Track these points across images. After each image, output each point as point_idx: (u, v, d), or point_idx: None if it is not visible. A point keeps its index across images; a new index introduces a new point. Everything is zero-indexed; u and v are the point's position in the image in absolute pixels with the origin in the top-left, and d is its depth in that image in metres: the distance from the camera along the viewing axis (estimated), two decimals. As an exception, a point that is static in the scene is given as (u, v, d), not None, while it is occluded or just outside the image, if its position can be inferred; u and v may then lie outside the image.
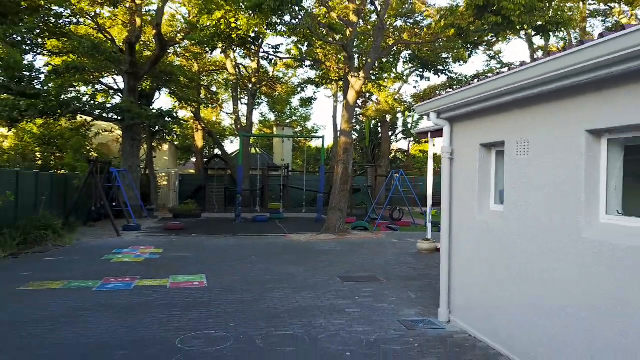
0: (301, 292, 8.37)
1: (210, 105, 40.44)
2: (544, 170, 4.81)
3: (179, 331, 6.11)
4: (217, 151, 38.52)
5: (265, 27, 14.68)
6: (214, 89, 39.34)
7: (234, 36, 15.00)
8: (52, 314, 6.81)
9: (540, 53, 28.16)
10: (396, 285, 8.99)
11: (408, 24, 21.32)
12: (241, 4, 12.41)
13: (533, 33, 16.88)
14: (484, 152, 6.04)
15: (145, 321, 6.53)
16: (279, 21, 14.55)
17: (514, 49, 48.15)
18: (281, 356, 5.31)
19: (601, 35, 3.76)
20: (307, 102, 35.67)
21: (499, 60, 30.30)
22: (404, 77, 26.05)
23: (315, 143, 51.38)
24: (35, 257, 11.91)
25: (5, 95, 19.49)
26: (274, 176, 32.74)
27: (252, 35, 16.21)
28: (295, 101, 42.63)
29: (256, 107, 41.06)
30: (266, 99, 41.59)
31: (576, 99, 4.38)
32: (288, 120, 49.26)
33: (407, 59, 21.18)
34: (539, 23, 14.41)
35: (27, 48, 20.21)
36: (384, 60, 21.86)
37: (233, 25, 14.15)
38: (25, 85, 19.10)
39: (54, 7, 18.39)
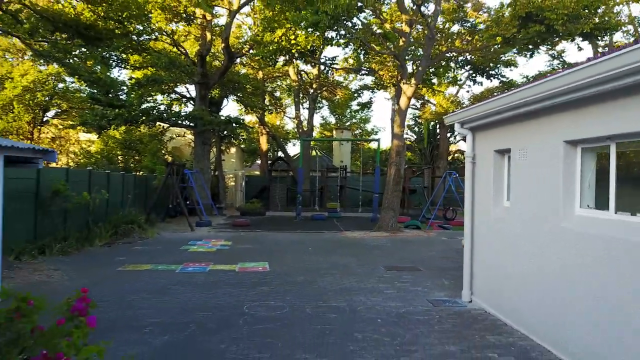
0: (348, 278, 9.71)
1: (274, 111, 42.58)
2: (536, 172, 5.91)
3: (246, 301, 7.64)
4: (280, 154, 40.44)
5: (321, 42, 16.12)
6: (277, 94, 41.37)
7: (293, 51, 16.60)
8: (146, 288, 8.55)
9: (599, 52, 27.82)
10: (433, 274, 10.14)
11: (465, 27, 21.98)
12: (300, 23, 13.92)
13: (580, 39, 17.24)
14: (497, 157, 7.14)
15: (219, 294, 8.13)
16: (334, 35, 15.95)
17: (574, 49, 46.86)
18: (325, 320, 6.70)
19: (570, 66, 4.87)
20: (364, 106, 36.94)
21: (561, 60, 30.14)
22: (459, 82, 26.71)
23: (374, 145, 52.40)
24: (125, 246, 13.96)
25: (96, 106, 22.18)
26: (333, 177, 34.17)
27: (310, 49, 17.69)
28: (355, 105, 43.96)
29: (317, 111, 42.84)
30: (327, 103, 43.22)
31: (556, 115, 5.47)
32: (348, 123, 50.59)
33: (460, 64, 21.93)
34: (585, 30, 14.84)
35: (114, 63, 22.82)
36: (443, 64, 22.73)
37: (293, 42, 15.70)
38: (113, 97, 21.66)
39: (137, 26, 20.71)
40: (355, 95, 34.47)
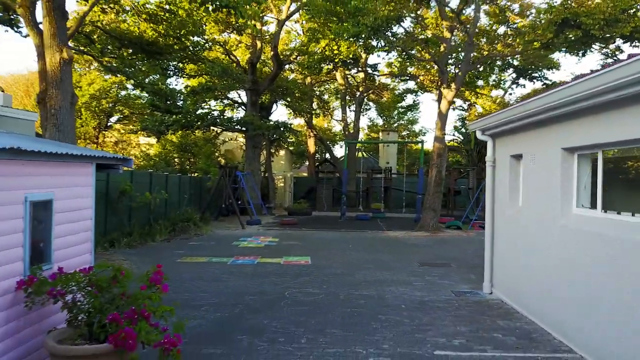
0: (382, 271, 10.59)
1: (321, 114, 43.75)
2: (541, 175, 6.63)
3: (287, 288, 8.69)
4: (327, 156, 41.51)
5: (362, 51, 17.04)
6: (325, 97, 42.47)
7: (336, 60, 17.56)
8: (202, 276, 9.75)
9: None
10: (463, 270, 10.85)
11: (511, 28, 22.21)
12: (342, 35, 14.85)
13: (622, 41, 17.28)
14: (513, 161, 7.86)
15: (265, 282, 9.22)
16: (375, 44, 16.81)
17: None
18: (355, 304, 7.64)
19: (562, 84, 5.61)
20: (408, 109, 37.53)
21: (615, 58, 29.62)
22: (503, 84, 26.91)
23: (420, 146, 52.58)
24: (183, 242, 15.36)
25: (155, 112, 23.99)
26: (378, 178, 34.89)
27: (353, 57, 18.62)
28: (402, 106, 44.42)
29: (364, 113, 43.66)
30: (374, 105, 43.95)
31: (556, 125, 6.19)
32: (395, 124, 51.05)
33: (503, 67, 22.22)
34: (625, 33, 14.94)
35: (172, 73, 24.55)
36: (481, 69, 23.12)
37: (335, 52, 16.69)
38: (171, 104, 23.36)
39: (194, 38, 22.29)
40: (399, 98, 35.06)
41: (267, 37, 27.54)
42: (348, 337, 6.05)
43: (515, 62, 21.17)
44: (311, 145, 40.80)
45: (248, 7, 10.53)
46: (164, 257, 12.12)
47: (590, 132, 5.45)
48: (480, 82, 24.92)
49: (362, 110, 38.61)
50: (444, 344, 5.81)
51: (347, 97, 36.66)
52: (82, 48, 16.30)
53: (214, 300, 7.81)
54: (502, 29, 23.17)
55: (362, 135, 54.63)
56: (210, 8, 10.79)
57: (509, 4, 19.77)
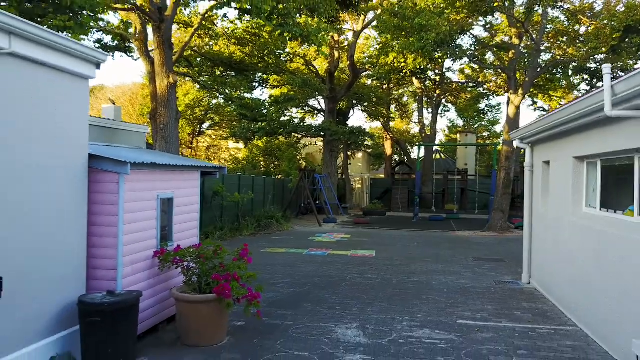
0: (437, 264, 11.91)
1: (399, 117, 44.87)
2: (560, 179, 7.76)
3: (350, 273, 10.33)
4: (404, 158, 42.51)
5: (427, 63, 18.27)
6: (405, 98, 43.46)
7: (405, 71, 18.90)
8: (280, 263, 11.63)
9: None
10: (513, 265, 11.90)
11: (577, 34, 22.26)
12: (408, 49, 16.21)
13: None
14: (545, 166, 8.96)
15: (332, 268, 10.91)
16: (440, 55, 17.98)
17: None
18: (404, 287, 9.12)
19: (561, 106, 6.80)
20: (482, 112, 37.75)
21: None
22: (577, 88, 26.67)
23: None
24: (266, 236, 17.46)
25: (243, 120, 26.56)
26: (455, 180, 35.47)
27: (420, 68, 19.87)
28: (482, 106, 44.39)
29: (442, 114, 44.19)
30: (453, 107, 44.34)
31: (569, 137, 7.33)
32: (476, 126, 50.88)
33: (575, 70, 22.30)
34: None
35: (257, 85, 27.06)
36: (554, 71, 23.35)
37: (403, 64, 18.06)
38: (256, 113, 25.82)
39: (277, 51, 24.57)
40: (473, 102, 35.47)
41: (345, 46, 29.30)
42: (391, 308, 7.58)
43: (592, 66, 21.28)
44: (388, 148, 42.05)
45: (319, 34, 12.27)
46: (250, 247, 14.13)
47: (589, 145, 6.59)
48: (554, 86, 25.05)
49: (439, 112, 39.29)
50: (467, 317, 7.18)
51: (424, 100, 37.55)
52: (182, 70, 18.96)
53: (288, 280, 9.62)
54: (563, 34, 23.30)
55: (442, 137, 55.03)
56: (287, 37, 12.70)
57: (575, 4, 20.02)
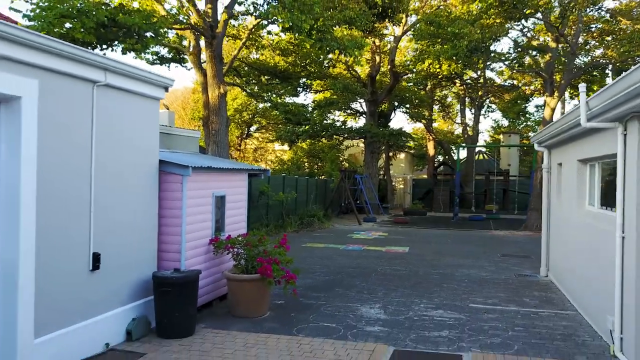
0: (465, 259, 12.77)
1: (442, 118, 45.27)
2: (569, 180, 8.56)
3: (380, 265, 11.38)
4: (446, 158, 42.85)
5: (460, 69, 19.01)
6: (449, 99, 43.78)
7: (440, 77, 19.68)
8: (318, 256, 12.80)
9: None
10: (537, 261, 12.55)
11: (613, 37, 22.25)
12: (442, 56, 17.04)
13: None
14: (559, 168, 9.73)
15: (365, 261, 11.99)
16: (476, 60, 18.68)
17: None
18: (428, 277, 10.09)
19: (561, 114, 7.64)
20: (522, 113, 37.84)
21: None
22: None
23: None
24: (308, 233, 18.68)
25: (288, 124, 27.96)
26: (497, 181, 35.65)
27: (455, 73, 20.62)
28: (530, 107, 44.21)
29: (485, 115, 44.26)
30: (496, 107, 44.33)
31: (573, 143, 8.14)
32: (522, 126, 50.49)
33: (615, 72, 22.36)
34: None
35: (301, 90, 28.39)
36: (594, 73, 23.49)
37: (437, 70, 18.87)
38: (300, 116, 27.14)
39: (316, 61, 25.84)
40: (512, 104, 35.59)
41: (386, 49, 30.20)
42: (412, 293, 8.60)
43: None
44: (430, 148, 42.53)
45: (355, 49, 13.36)
46: (292, 243, 15.34)
47: (587, 150, 7.41)
48: (594, 87, 25.07)
49: (482, 113, 39.50)
50: (479, 302, 8.11)
51: (466, 101, 37.90)
52: (232, 80, 20.49)
53: (324, 270, 10.78)
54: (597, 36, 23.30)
55: (486, 138, 54.82)
56: (326, 50, 13.85)
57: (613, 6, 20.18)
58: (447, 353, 5.66)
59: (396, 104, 33.81)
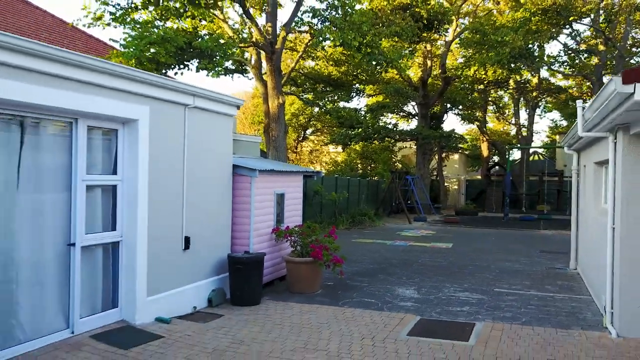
0: (504, 254, 13.74)
1: (497, 119, 45.32)
2: (589, 180, 9.52)
3: (422, 258, 12.62)
4: (498, 159, 42.92)
5: (505, 75, 19.75)
6: (505, 99, 43.77)
7: (485, 82, 20.47)
8: (366, 249, 14.16)
9: None
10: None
11: None
12: (487, 63, 17.95)
13: None
14: (584, 169, 10.64)
15: (409, 255, 13.25)
16: (520, 66, 19.41)
17: None
18: (464, 268, 11.25)
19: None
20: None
21: None
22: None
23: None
24: (359, 230, 20.06)
25: (342, 128, 29.44)
26: (551, 181, 35.55)
27: (499, 79, 21.37)
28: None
29: (541, 115, 43.95)
30: (553, 107, 43.91)
31: (589, 147, 9.11)
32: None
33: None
34: None
35: (354, 94, 29.79)
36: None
37: (483, 75, 19.72)
38: (353, 120, 28.54)
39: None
40: (564, 105, 35.40)
41: (439, 52, 31.04)
42: (445, 280, 9.84)
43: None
44: (484, 149, 42.75)
45: (400, 61, 14.63)
46: (342, 239, 16.84)
47: (598, 154, 8.41)
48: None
49: (538, 113, 39.38)
50: (504, 287, 9.24)
51: (520, 102, 37.95)
52: (289, 90, 22.20)
53: (369, 260, 12.16)
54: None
55: (543, 138, 54.03)
56: (374, 63, 15.19)
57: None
58: (463, 322, 6.91)
59: (448, 106, 34.55)
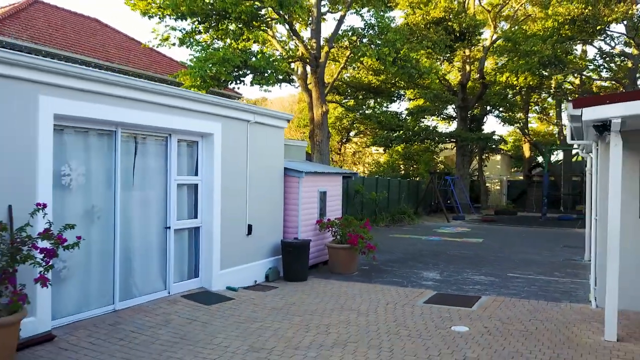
0: (528, 247, 15.00)
1: (539, 120, 45.63)
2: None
3: (451, 250, 14.10)
4: (540, 159, 43.18)
5: (536, 82, 20.80)
6: (550, 99, 43.99)
7: (517, 88, 21.51)
8: (402, 243, 15.73)
9: None
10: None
11: None
12: (519, 70, 19.11)
13: None
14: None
15: (439, 247, 14.74)
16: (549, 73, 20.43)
17: None
18: (486, 258, 12.67)
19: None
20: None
21: None
22: None
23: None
24: (397, 227, 21.58)
25: (383, 130, 31.01)
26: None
27: (530, 85, 22.40)
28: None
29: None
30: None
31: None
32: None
33: None
34: None
35: (395, 99, 31.27)
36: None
37: (515, 82, 20.83)
38: (393, 123, 30.05)
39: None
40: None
41: (479, 56, 32.07)
42: (466, 266, 11.33)
43: None
44: (526, 150, 43.16)
45: (432, 74, 16.11)
46: (383, 234, 18.48)
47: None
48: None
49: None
50: (517, 273, 10.65)
51: (561, 104, 38.27)
52: (332, 99, 24.01)
53: (402, 251, 13.75)
54: None
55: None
56: (407, 75, 16.77)
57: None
58: (472, 295, 8.45)
59: (488, 108, 35.43)
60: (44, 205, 5.28)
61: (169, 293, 7.61)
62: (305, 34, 20.00)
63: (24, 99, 5.52)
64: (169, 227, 7.63)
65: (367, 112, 25.67)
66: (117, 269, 6.80)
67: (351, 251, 10.15)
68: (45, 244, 5.05)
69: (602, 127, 6.09)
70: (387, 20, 15.33)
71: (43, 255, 4.99)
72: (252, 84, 15.41)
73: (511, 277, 10.19)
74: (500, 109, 36.08)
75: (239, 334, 6.09)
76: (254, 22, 14.90)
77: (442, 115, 37.25)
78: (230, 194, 8.54)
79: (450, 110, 38.14)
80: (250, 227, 9.02)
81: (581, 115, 6.02)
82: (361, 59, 17.00)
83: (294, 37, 18.79)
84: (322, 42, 18.05)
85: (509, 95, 24.79)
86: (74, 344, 5.52)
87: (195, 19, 14.68)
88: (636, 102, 5.74)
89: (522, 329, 6.51)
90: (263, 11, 15.30)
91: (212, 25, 14.99)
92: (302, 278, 9.49)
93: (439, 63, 32.35)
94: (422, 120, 35.38)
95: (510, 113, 36.61)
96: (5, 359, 4.50)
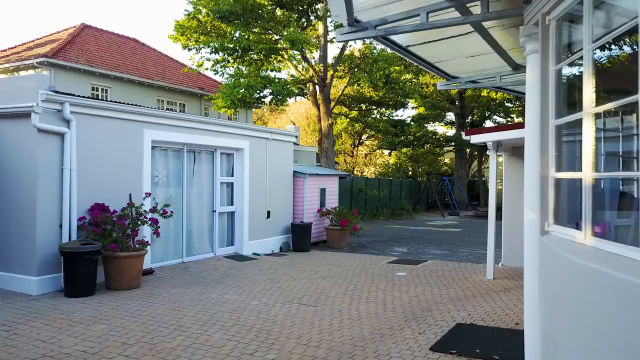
0: (496, 235, 18.51)
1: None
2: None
3: (428, 235, 17.74)
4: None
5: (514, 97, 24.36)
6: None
7: (497, 101, 24.96)
8: (391, 230, 19.38)
9: None
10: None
11: None
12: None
13: None
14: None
15: (419, 234, 18.38)
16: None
17: None
18: (452, 240, 16.28)
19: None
20: None
21: None
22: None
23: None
24: (395, 220, 25.21)
25: (388, 135, 34.68)
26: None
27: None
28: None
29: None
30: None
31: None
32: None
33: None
34: None
35: (397, 107, 34.82)
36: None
37: (496, 97, 24.22)
38: (398, 129, 33.68)
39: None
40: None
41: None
42: (431, 245, 14.98)
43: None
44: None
45: (414, 95, 19.71)
46: (379, 225, 22.19)
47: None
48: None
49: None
50: (466, 249, 14.25)
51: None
52: (338, 111, 27.77)
53: (388, 236, 17.43)
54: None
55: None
56: (394, 97, 20.48)
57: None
58: (422, 259, 12.13)
59: (487, 113, 38.76)
60: (149, 194, 9.19)
61: (215, 254, 11.50)
62: (315, 54, 23.83)
63: (136, 131, 9.44)
64: (215, 211, 11.51)
65: (368, 120, 29.49)
66: (184, 236, 10.71)
67: (342, 231, 13.92)
68: (152, 215, 8.95)
69: (485, 147, 9.73)
70: (377, 51, 19.07)
71: (151, 222, 8.89)
72: (270, 103, 19.28)
73: (460, 251, 13.83)
74: (501, 114, 39.40)
75: (262, 274, 9.92)
76: (272, 55, 18.78)
77: (444, 121, 40.75)
78: (255, 190, 12.38)
79: (452, 115, 41.66)
80: (269, 213, 12.86)
81: (470, 139, 9.70)
82: (358, 83, 20.72)
83: (304, 63, 22.64)
84: (327, 67, 21.83)
85: (490, 105, 28.12)
86: (164, 275, 9.41)
87: (225, 52, 18.60)
88: (501, 132, 9.37)
89: (440, 274, 10.21)
90: (278, 45, 19.15)
91: (239, 57, 18.89)
92: (306, 249, 13.29)
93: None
94: (426, 125, 38.94)
95: (510, 118, 39.89)
96: (138, 274, 8.37)
